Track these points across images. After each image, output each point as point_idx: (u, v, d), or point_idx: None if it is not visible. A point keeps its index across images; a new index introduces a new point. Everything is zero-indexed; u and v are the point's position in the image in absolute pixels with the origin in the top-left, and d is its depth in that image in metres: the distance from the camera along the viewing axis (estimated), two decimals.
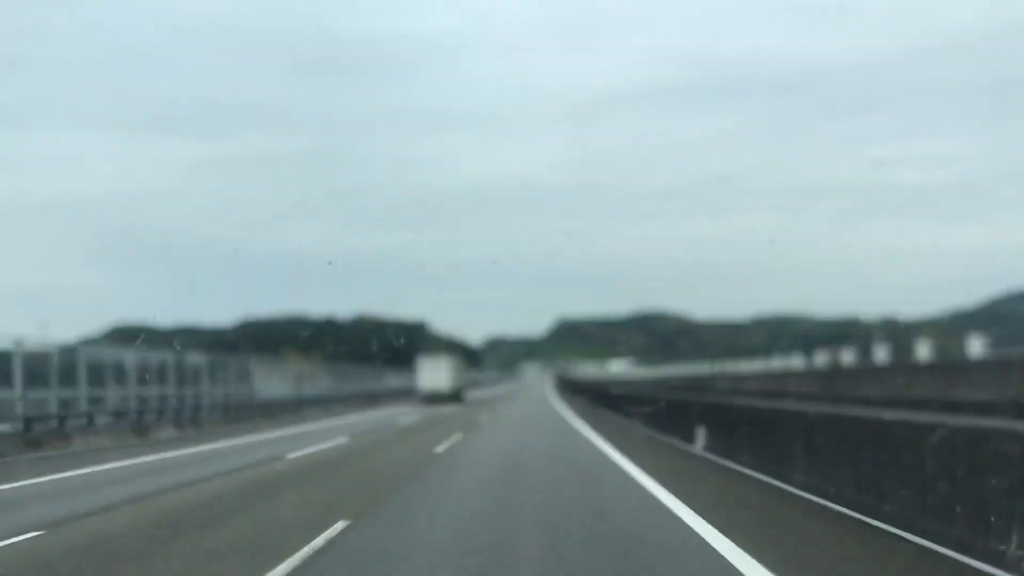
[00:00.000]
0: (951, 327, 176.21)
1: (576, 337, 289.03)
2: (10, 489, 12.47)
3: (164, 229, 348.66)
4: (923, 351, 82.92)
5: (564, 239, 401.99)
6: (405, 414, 33.57)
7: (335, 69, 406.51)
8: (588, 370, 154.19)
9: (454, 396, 50.72)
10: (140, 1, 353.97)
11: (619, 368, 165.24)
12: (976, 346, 72.82)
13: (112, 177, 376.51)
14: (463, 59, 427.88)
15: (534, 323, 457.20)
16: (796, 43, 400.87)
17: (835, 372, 50.89)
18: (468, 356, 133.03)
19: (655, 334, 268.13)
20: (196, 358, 28.75)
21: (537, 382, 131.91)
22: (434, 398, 48.73)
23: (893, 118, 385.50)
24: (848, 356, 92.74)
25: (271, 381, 37.76)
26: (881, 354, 78.88)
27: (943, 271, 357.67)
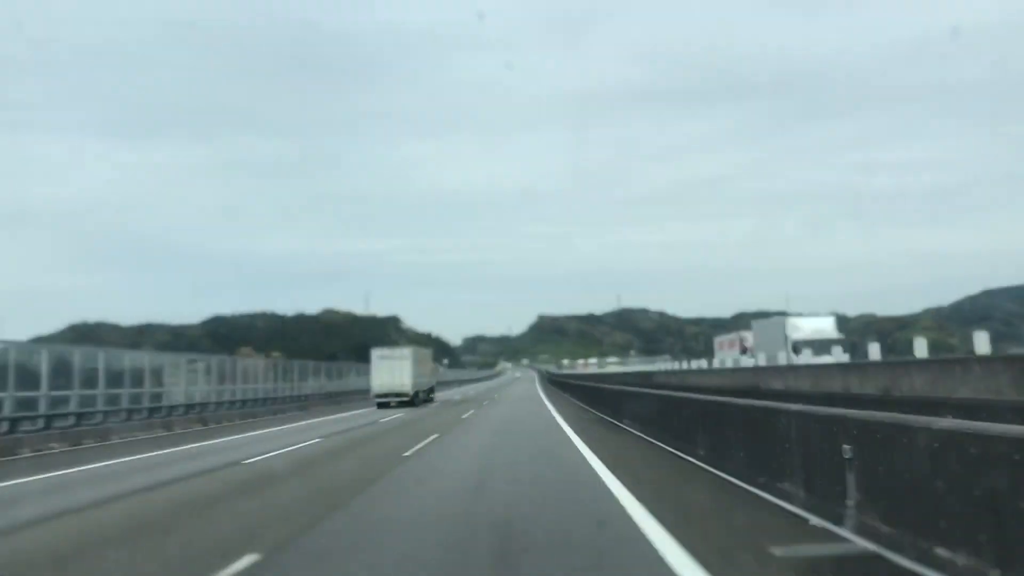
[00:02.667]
0: (931, 324, 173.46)
1: (556, 334, 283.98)
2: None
3: (139, 233, 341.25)
4: (920, 348, 78.14)
5: (546, 241, 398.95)
6: (305, 436, 21.21)
7: (324, 72, 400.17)
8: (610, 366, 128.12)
9: (418, 398, 43.17)
10: (130, 3, 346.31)
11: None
12: (983, 342, 68.32)
13: (83, 181, 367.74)
14: (453, 61, 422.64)
15: (513, 322, 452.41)
16: (780, 46, 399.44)
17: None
18: (444, 353, 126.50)
19: (637, 331, 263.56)
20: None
21: (518, 381, 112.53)
22: (391, 401, 40.87)
23: (869, 124, 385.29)
24: (838, 353, 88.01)
25: (180, 381, 31.21)
26: (874, 351, 74.33)
27: (917, 272, 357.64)
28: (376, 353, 42.88)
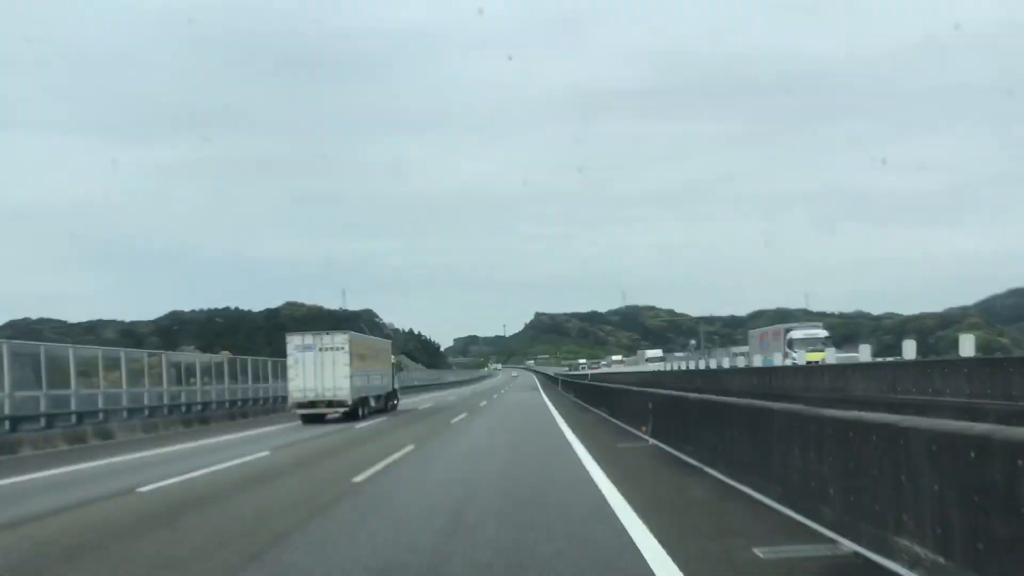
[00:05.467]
0: (978, 322, 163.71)
1: (555, 334, 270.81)
2: None
3: (115, 232, 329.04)
4: (967, 347, 67.27)
5: (545, 240, 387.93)
6: None
7: (316, 70, 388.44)
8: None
9: (367, 406, 30.96)
10: (118, 2, 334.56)
11: None
12: None
13: (61, 180, 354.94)
14: (450, 60, 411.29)
15: (510, 322, 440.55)
16: (789, 43, 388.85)
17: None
18: (429, 353, 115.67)
19: (644, 329, 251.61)
20: None
21: (510, 389, 77.22)
22: (324, 413, 28.90)
23: (880, 123, 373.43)
24: (865, 354, 77.60)
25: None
26: (909, 351, 64.02)
27: (936, 270, 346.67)
28: (293, 342, 28.96)
